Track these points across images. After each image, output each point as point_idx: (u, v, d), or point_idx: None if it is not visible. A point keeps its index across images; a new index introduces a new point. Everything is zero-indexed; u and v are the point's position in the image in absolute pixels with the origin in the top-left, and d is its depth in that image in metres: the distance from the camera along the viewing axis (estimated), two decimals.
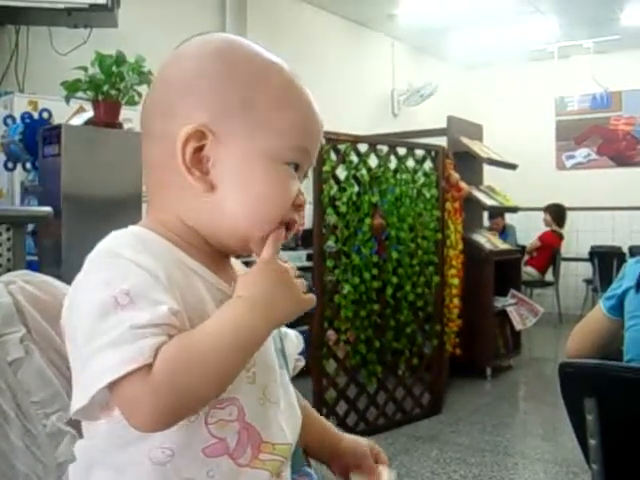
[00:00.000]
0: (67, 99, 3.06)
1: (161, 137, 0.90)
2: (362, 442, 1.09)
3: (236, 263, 1.01)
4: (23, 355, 0.94)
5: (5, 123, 3.67)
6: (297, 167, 0.91)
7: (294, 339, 1.07)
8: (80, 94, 3.10)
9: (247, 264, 1.01)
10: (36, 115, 3.55)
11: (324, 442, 1.09)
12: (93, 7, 4.32)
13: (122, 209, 2.90)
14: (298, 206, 0.91)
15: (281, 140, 0.89)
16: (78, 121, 3.23)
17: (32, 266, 2.76)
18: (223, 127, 0.87)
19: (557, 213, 8.68)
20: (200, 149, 0.87)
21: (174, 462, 0.81)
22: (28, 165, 3.48)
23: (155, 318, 0.76)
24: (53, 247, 2.88)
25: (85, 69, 2.98)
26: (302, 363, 1.09)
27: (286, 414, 0.93)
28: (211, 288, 0.87)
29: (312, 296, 0.87)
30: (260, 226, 0.89)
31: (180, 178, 0.87)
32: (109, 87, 2.96)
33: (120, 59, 2.95)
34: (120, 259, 0.80)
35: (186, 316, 0.81)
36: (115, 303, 0.76)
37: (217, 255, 0.93)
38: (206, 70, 0.90)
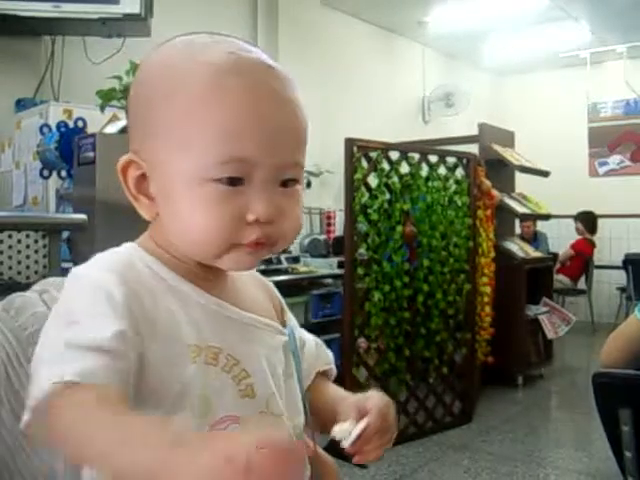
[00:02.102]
0: (102, 108, 3.10)
1: None
2: (353, 397, 0.96)
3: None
4: None
5: (41, 132, 3.73)
6: (239, 180, 0.82)
7: (313, 349, 1.06)
8: (114, 102, 3.13)
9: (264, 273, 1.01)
10: (71, 124, 3.60)
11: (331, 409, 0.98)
12: (127, 17, 4.38)
13: None
14: (255, 221, 0.83)
15: (201, 158, 0.81)
16: (112, 129, 3.26)
17: (67, 272, 2.79)
18: (148, 153, 0.86)
19: (588, 220, 8.59)
20: (144, 175, 0.88)
21: None
22: (63, 173, 3.53)
23: (93, 340, 0.75)
24: (87, 254, 2.90)
25: (120, 78, 3.01)
26: (331, 367, 1.08)
27: (288, 427, 0.91)
28: (191, 303, 0.86)
29: None
30: (206, 249, 0.85)
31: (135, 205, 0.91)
32: None
33: None
34: (82, 279, 0.83)
35: (146, 335, 0.80)
36: (66, 323, 0.78)
37: (201, 265, 0.91)
38: (133, 96, 0.91)
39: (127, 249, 0.91)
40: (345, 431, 0.87)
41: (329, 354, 1.09)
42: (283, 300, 1.05)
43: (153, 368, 0.81)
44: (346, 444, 0.86)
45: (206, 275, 0.91)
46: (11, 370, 0.93)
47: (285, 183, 0.86)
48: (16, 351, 0.94)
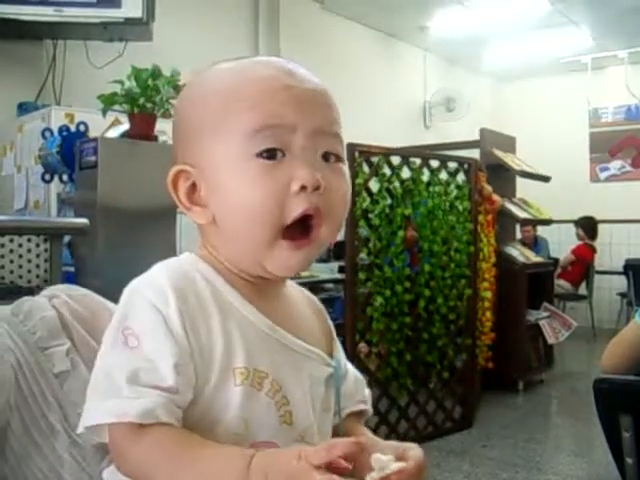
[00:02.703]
0: (104, 112, 3.10)
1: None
2: (388, 443, 0.94)
3: (297, 291, 1.00)
4: (69, 368, 0.95)
5: (43, 136, 3.73)
6: (278, 151, 0.84)
7: (351, 384, 1.03)
8: (116, 107, 3.14)
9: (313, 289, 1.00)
10: (73, 128, 3.60)
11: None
12: (128, 21, 4.39)
13: (157, 221, 2.92)
14: (301, 190, 0.83)
15: (237, 135, 0.84)
16: (114, 133, 3.26)
17: (68, 277, 2.80)
18: (194, 157, 0.89)
19: (588, 226, 8.58)
20: (194, 186, 0.89)
21: None
22: (65, 177, 3.53)
23: (155, 378, 0.79)
24: (89, 258, 2.91)
25: (121, 83, 3.02)
26: (366, 408, 1.04)
27: None
28: (246, 324, 0.86)
29: None
30: (259, 234, 0.85)
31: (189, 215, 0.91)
32: (145, 100, 3.00)
33: (156, 72, 2.98)
34: (140, 298, 0.83)
35: (198, 358, 0.82)
36: (124, 343, 0.81)
37: (263, 283, 0.91)
38: (173, 124, 0.94)
39: (188, 263, 0.90)
40: (383, 462, 0.84)
41: (367, 392, 1.06)
42: (334, 328, 1.04)
43: (200, 389, 0.82)
44: (377, 475, 0.83)
45: (265, 294, 0.91)
46: (21, 376, 0.93)
47: (326, 157, 0.88)
48: (25, 356, 0.94)
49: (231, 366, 0.83)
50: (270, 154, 0.83)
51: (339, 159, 0.89)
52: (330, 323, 1.04)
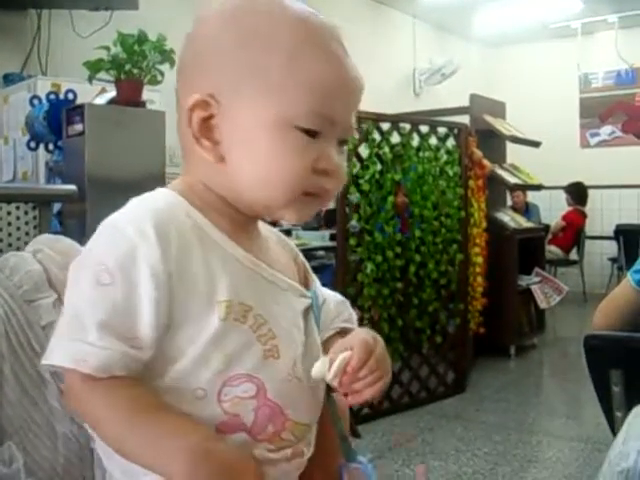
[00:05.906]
0: (90, 79, 3.07)
1: (179, 105, 0.90)
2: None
3: (267, 230, 1.01)
4: (56, 319, 0.94)
5: (31, 104, 3.68)
6: (317, 133, 0.86)
7: (332, 308, 1.04)
8: (102, 75, 3.11)
9: (288, 233, 1.01)
10: (62, 95, 3.56)
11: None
12: None
13: (146, 188, 2.90)
14: (323, 172, 0.87)
15: (291, 106, 0.84)
16: (101, 101, 3.23)
17: None
18: (232, 96, 0.86)
19: (575, 192, 8.61)
20: (210, 118, 0.86)
21: None
22: (51, 146, 3.49)
23: (125, 324, 0.78)
24: (78, 227, 2.90)
25: (107, 49, 2.98)
26: (347, 326, 1.04)
27: (309, 391, 0.92)
28: (228, 259, 0.86)
29: None
30: (277, 195, 0.87)
31: (196, 146, 0.88)
32: (131, 66, 2.97)
33: (142, 38, 2.95)
34: (117, 233, 0.82)
35: (177, 293, 0.81)
36: (97, 281, 0.79)
37: (243, 219, 0.92)
38: (216, 37, 0.88)
39: (167, 197, 0.89)
40: (322, 367, 0.86)
41: (351, 312, 1.07)
42: (307, 262, 1.05)
43: (181, 324, 0.82)
44: (329, 378, 0.85)
45: (245, 231, 0.92)
46: (9, 328, 0.94)
47: (341, 143, 0.91)
48: (13, 309, 0.96)
49: (214, 299, 0.83)
50: (309, 133, 0.85)
51: (347, 143, 0.93)
52: (303, 259, 1.05)
